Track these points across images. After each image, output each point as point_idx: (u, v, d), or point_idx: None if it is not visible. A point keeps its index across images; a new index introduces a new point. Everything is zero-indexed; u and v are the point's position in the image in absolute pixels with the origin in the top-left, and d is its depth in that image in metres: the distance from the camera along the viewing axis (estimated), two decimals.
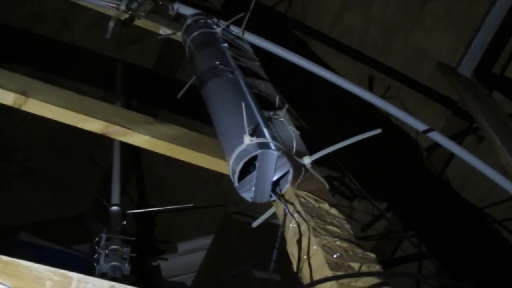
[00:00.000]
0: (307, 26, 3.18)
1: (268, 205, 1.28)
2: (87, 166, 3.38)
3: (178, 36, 1.94)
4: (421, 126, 2.01)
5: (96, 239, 2.01)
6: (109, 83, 2.91)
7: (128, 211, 2.15)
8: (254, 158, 1.20)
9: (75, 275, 0.93)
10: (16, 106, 1.28)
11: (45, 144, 3.30)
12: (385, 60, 3.22)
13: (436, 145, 3.12)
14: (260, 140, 1.21)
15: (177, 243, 3.48)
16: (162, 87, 3.14)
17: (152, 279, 3.34)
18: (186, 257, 3.42)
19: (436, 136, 2.01)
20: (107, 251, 1.93)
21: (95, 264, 1.95)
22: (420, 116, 2.02)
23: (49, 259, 3.11)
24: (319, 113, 3.20)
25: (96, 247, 2.00)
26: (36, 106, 1.29)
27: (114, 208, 2.13)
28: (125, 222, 2.11)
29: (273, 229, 1.23)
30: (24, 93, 1.28)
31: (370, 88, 2.83)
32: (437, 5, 3.15)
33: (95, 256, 1.96)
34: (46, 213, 3.57)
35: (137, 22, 1.98)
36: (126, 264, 1.95)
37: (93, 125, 1.32)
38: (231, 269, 3.09)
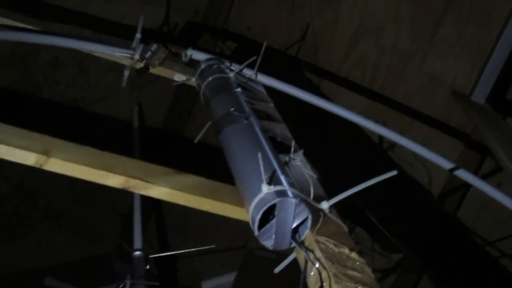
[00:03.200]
0: (318, 66, 3.21)
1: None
2: (108, 208, 3.42)
3: (193, 82, 1.98)
4: (447, 164, 1.99)
5: (121, 285, 2.03)
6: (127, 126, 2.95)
7: (151, 256, 2.17)
8: (273, 205, 1.22)
9: None
10: (37, 166, 1.31)
11: (67, 188, 3.34)
12: (399, 89, 3.23)
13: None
14: (278, 188, 1.23)
15: (201, 281, 3.48)
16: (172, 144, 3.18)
17: None
18: None
19: (464, 174, 1.99)
20: None
21: None
22: (434, 148, 2.02)
23: None
24: (334, 153, 3.21)
25: None
26: (57, 165, 1.31)
27: (137, 253, 2.15)
28: (148, 267, 2.13)
29: (296, 265, 1.25)
30: (45, 152, 1.31)
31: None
32: (449, 30, 3.17)
33: None
34: (69, 255, 3.60)
35: (152, 70, 2.02)
36: None
37: (113, 180, 1.35)
38: None
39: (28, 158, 1.30)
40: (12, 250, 3.43)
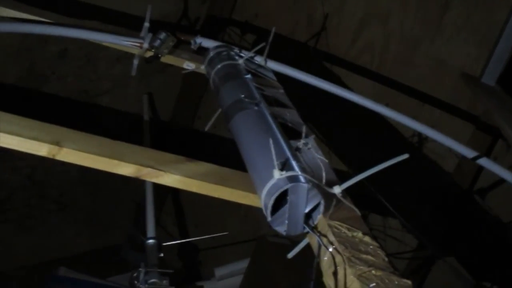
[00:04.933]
0: (327, 52, 3.20)
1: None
2: (119, 197, 3.43)
3: (202, 69, 1.98)
4: (469, 153, 1.98)
5: (135, 274, 2.04)
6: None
7: (164, 243, 2.18)
8: (285, 191, 1.22)
9: None
10: (50, 156, 1.31)
11: (77, 179, 3.36)
12: (408, 74, 3.22)
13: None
14: (290, 173, 1.23)
15: (214, 269, 3.49)
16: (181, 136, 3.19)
17: None
18: (223, 282, 3.43)
19: (485, 162, 1.98)
20: (146, 286, 1.97)
21: None
22: (444, 131, 2.00)
23: None
24: (345, 138, 3.20)
25: (135, 282, 2.03)
26: (69, 155, 1.32)
27: (150, 241, 2.16)
28: (162, 255, 2.13)
29: (309, 250, 1.25)
30: (57, 143, 1.31)
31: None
32: (456, 14, 3.14)
33: None
34: (81, 246, 3.62)
35: (161, 59, 2.02)
36: None
37: (125, 169, 1.35)
38: None
39: (41, 148, 1.31)
40: (24, 242, 3.46)
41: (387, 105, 2.04)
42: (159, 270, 2.03)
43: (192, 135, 3.25)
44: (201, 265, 3.62)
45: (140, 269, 2.01)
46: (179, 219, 3.58)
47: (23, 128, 1.33)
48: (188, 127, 3.32)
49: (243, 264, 3.36)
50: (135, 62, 1.99)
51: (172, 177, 1.37)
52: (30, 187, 3.34)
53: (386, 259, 1.20)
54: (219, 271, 3.49)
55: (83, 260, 3.54)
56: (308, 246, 1.28)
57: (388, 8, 3.17)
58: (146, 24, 1.97)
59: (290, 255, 1.30)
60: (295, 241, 1.30)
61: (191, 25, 3.04)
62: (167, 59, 2.03)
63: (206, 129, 1.86)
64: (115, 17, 2.89)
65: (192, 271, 3.58)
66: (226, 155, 1.60)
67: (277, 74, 2.01)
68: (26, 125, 1.34)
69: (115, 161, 1.34)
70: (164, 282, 2.02)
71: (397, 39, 3.21)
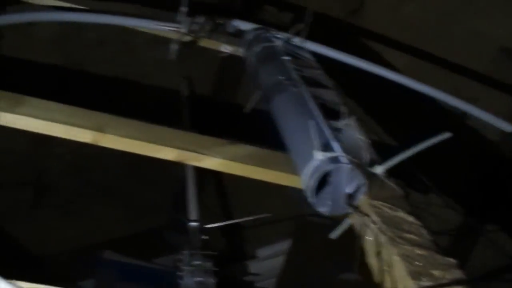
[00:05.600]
0: (364, 28, 3.17)
1: None
2: (160, 181, 3.46)
3: (240, 52, 1.99)
4: (507, 127, 1.97)
5: (179, 256, 2.06)
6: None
7: (207, 226, 2.19)
8: (328, 172, 1.23)
9: None
10: (94, 143, 1.35)
11: (118, 164, 3.40)
12: (446, 49, 3.18)
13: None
14: (331, 154, 1.24)
15: (257, 249, 3.51)
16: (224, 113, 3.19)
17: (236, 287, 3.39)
18: (266, 263, 3.46)
19: None
20: (190, 268, 1.99)
21: (180, 281, 2.01)
22: (483, 106, 1.98)
23: (134, 275, 3.21)
24: (384, 117, 3.18)
25: (180, 264, 2.05)
26: (112, 141, 1.35)
27: (193, 224, 2.18)
28: (205, 237, 2.15)
29: (351, 230, 1.26)
30: (100, 129, 1.34)
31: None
32: None
33: (180, 273, 2.01)
34: (123, 230, 3.67)
35: (199, 42, 2.03)
36: (211, 278, 2.00)
37: (167, 153, 1.37)
38: (311, 271, 3.13)
39: (85, 135, 1.34)
40: (68, 227, 3.52)
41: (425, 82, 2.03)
42: (202, 252, 2.04)
43: (231, 116, 3.26)
44: (243, 246, 3.64)
45: (184, 251, 2.03)
46: (221, 200, 3.60)
47: (68, 116, 1.36)
48: (227, 108, 3.33)
49: (285, 244, 3.37)
50: (173, 46, 2.01)
51: (214, 160, 1.39)
52: (73, 173, 3.40)
53: (430, 237, 1.21)
54: (262, 252, 3.51)
55: (126, 244, 3.59)
56: (350, 226, 1.29)
57: None
58: (184, 9, 1.98)
59: (333, 235, 1.31)
60: (336, 220, 1.31)
61: (228, 5, 3.04)
62: (205, 42, 2.05)
63: (246, 111, 1.87)
64: None
65: (235, 252, 3.60)
66: (268, 133, 1.60)
67: (316, 54, 2.01)
68: (71, 112, 1.37)
69: (157, 146, 1.36)
70: (208, 264, 2.04)
71: (434, 12, 3.16)
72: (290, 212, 3.44)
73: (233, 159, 1.40)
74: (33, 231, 3.40)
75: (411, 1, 3.17)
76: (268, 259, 3.49)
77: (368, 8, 3.16)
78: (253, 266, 3.51)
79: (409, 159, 1.30)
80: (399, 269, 1.10)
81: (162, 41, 2.14)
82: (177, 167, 2.48)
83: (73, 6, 2.07)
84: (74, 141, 1.36)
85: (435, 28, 3.20)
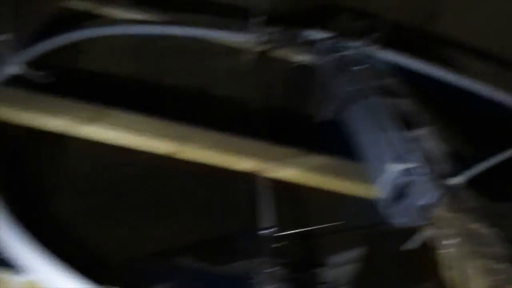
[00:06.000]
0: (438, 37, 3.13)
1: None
2: (227, 190, 3.51)
3: (310, 61, 2.00)
4: None
5: (254, 263, 2.08)
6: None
7: (280, 234, 2.21)
8: (403, 184, 1.23)
9: None
10: (174, 155, 1.38)
11: (190, 172, 3.45)
12: None
13: None
14: (406, 165, 1.24)
15: (328, 257, 3.51)
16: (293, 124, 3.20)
17: None
18: (337, 270, 3.45)
19: None
20: (264, 275, 2.01)
21: None
22: None
23: (205, 281, 3.26)
24: (464, 127, 3.12)
25: (252, 271, 2.07)
26: (191, 153, 1.38)
27: (266, 231, 2.20)
28: (279, 244, 2.17)
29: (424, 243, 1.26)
30: (180, 141, 1.38)
31: None
32: None
33: (254, 280, 2.03)
34: (195, 236, 3.72)
35: (270, 52, 2.06)
36: (283, 285, 2.02)
37: (246, 164, 1.40)
38: (380, 281, 3.11)
39: (163, 147, 1.38)
40: (140, 234, 3.59)
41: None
42: (276, 259, 2.06)
43: (303, 125, 3.27)
44: (315, 253, 3.65)
45: (259, 259, 2.05)
46: (294, 208, 3.62)
47: (146, 127, 1.40)
48: (298, 117, 3.34)
49: (356, 252, 3.36)
50: (246, 57, 2.05)
51: (290, 172, 1.41)
52: (145, 180, 3.47)
53: (509, 251, 1.19)
54: (333, 259, 3.50)
55: (199, 250, 3.63)
56: (424, 239, 1.28)
57: None
58: (256, 20, 2.01)
59: (406, 247, 1.31)
60: (410, 232, 1.31)
61: (299, 15, 3.05)
62: (276, 52, 2.07)
63: (317, 120, 1.88)
64: (221, 8, 2.94)
65: (307, 259, 3.61)
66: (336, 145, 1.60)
67: (390, 63, 2.00)
68: (151, 124, 1.41)
69: (235, 158, 1.39)
70: (281, 271, 2.06)
71: None
72: (362, 222, 3.42)
73: (309, 170, 1.42)
74: (107, 238, 3.49)
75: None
76: (339, 267, 3.48)
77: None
78: (325, 274, 3.50)
79: (489, 169, 1.29)
80: (477, 284, 1.09)
81: (235, 51, 2.17)
82: (249, 177, 2.52)
83: (145, 17, 2.13)
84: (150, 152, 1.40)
85: None
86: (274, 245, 2.20)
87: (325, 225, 2.59)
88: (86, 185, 3.35)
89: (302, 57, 2.07)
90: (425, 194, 1.24)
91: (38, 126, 1.40)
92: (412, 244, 1.29)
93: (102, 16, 2.18)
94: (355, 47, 1.89)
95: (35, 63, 1.56)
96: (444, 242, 1.19)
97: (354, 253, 3.39)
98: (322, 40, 1.99)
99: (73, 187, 3.28)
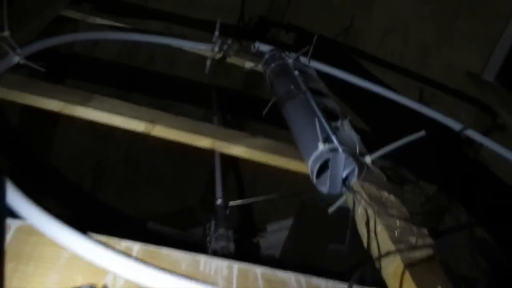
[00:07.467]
0: (358, 50, 3.16)
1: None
2: (194, 170, 3.47)
3: (259, 67, 1.98)
4: (457, 126, 1.98)
5: (207, 226, 2.06)
6: (207, 104, 2.98)
7: (230, 202, 2.19)
8: (328, 159, 1.22)
9: (202, 257, 0.98)
10: (146, 132, 1.35)
11: (162, 155, 3.41)
12: (423, 73, 3.16)
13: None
14: (331, 145, 1.24)
15: (267, 225, 3.51)
16: (249, 104, 3.18)
17: (251, 252, 3.38)
18: (273, 235, 3.46)
19: (471, 133, 1.98)
20: (216, 235, 1.98)
21: (208, 245, 2.01)
22: (453, 115, 1.98)
23: (172, 241, 3.22)
24: (372, 120, 3.15)
25: (208, 232, 2.05)
26: (161, 131, 1.35)
27: (219, 200, 2.18)
28: (228, 212, 2.14)
29: (342, 211, 1.25)
30: (152, 121, 1.34)
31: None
32: (462, 24, 3.06)
33: (207, 239, 2.01)
34: (164, 207, 3.68)
35: (228, 60, 2.04)
36: (231, 244, 2.00)
37: (203, 142, 1.37)
38: (308, 243, 3.12)
39: (139, 126, 1.34)
40: (122, 205, 3.53)
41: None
42: (226, 223, 2.04)
43: (251, 119, 3.24)
44: (256, 221, 3.64)
45: (212, 222, 2.03)
46: (240, 185, 3.60)
47: (125, 110, 1.36)
48: (248, 112, 3.31)
49: (289, 222, 3.37)
50: (208, 62, 2.02)
51: (239, 148, 1.39)
52: (126, 161, 3.41)
53: (407, 212, 1.20)
54: (270, 227, 3.51)
55: (166, 218, 3.59)
56: (341, 210, 1.27)
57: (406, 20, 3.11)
58: (217, 33, 1.99)
59: (331, 210, 1.31)
60: (331, 204, 1.30)
61: (245, 26, 3.03)
62: (232, 60, 2.05)
63: (264, 113, 1.86)
64: (190, 21, 2.91)
65: (249, 226, 3.60)
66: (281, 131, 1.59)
67: (318, 71, 2.01)
68: (129, 108, 1.38)
69: (196, 136, 1.36)
70: (230, 232, 2.03)
71: (414, 46, 3.14)
72: (295, 196, 3.43)
73: (254, 148, 1.40)
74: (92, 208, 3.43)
75: (394, 36, 3.15)
76: (276, 232, 3.49)
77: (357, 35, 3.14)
78: (263, 238, 3.50)
79: (391, 152, 1.30)
80: (383, 236, 1.10)
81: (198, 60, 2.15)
82: (208, 158, 2.50)
83: (125, 26, 2.09)
84: (128, 135, 1.36)
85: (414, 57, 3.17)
86: (225, 213, 2.18)
87: (265, 196, 2.58)
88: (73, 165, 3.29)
89: (252, 64, 2.06)
90: (345, 168, 1.23)
91: (35, 105, 1.34)
92: (335, 207, 1.28)
93: (91, 24, 2.13)
94: (292, 57, 1.89)
95: (34, 57, 1.50)
96: (359, 204, 1.19)
97: (287, 222, 3.40)
98: (268, 51, 1.98)
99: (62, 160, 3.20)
